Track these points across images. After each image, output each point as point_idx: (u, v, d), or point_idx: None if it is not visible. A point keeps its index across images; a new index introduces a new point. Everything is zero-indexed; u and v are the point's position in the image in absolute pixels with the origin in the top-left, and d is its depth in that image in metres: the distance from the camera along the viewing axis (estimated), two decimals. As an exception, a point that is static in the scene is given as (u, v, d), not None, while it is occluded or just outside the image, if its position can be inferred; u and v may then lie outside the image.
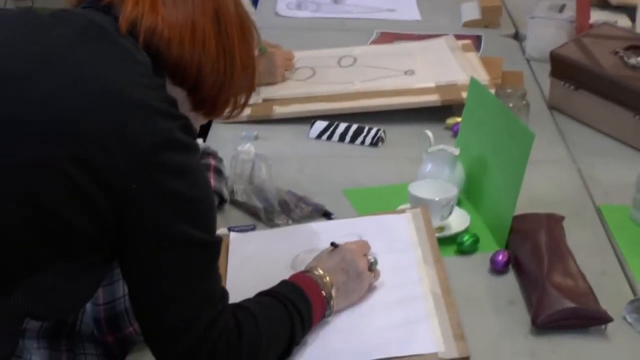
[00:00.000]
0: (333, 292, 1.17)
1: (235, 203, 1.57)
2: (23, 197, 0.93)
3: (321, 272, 1.18)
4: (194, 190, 1.01)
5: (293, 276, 1.18)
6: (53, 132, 0.94)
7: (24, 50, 1.00)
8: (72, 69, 0.99)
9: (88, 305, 1.30)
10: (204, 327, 1.01)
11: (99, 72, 0.99)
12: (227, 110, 1.17)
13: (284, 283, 1.17)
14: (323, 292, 1.16)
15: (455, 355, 1.14)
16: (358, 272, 1.22)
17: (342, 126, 1.86)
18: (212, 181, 1.57)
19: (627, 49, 1.93)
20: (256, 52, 1.33)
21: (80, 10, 1.08)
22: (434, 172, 1.56)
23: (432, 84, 1.99)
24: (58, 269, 1.00)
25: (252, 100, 1.93)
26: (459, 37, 2.35)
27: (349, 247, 1.26)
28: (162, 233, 0.99)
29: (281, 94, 2.02)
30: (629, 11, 2.49)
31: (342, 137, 1.84)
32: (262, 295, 1.15)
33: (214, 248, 1.04)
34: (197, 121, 1.17)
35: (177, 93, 1.09)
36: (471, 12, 2.60)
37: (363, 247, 1.28)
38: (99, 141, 0.94)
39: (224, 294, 1.06)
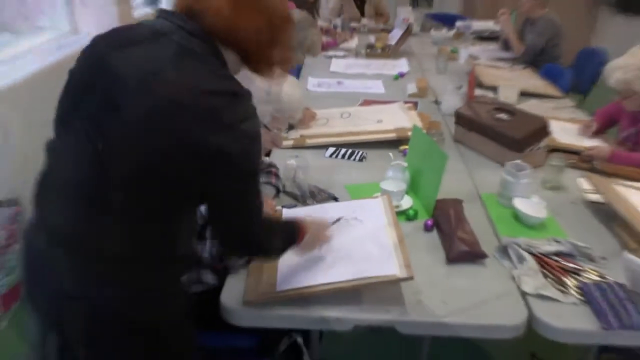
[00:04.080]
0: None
1: (285, 192, 1.87)
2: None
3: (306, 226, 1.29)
4: (250, 141, 1.04)
5: (301, 222, 1.31)
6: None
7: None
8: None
9: (207, 243, 1.44)
10: (258, 228, 1.14)
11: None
12: (278, 66, 1.09)
13: (296, 224, 1.28)
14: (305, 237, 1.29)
15: (406, 275, 1.27)
16: (314, 237, 1.35)
17: (344, 150, 2.22)
18: (274, 180, 1.83)
19: (495, 109, 2.31)
20: None
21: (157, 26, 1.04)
22: (393, 176, 1.86)
23: (392, 127, 2.35)
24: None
25: (293, 136, 2.28)
26: (406, 102, 2.75)
27: (319, 225, 1.39)
28: (238, 172, 1.04)
29: (310, 132, 2.38)
30: (494, 89, 3.04)
31: (343, 156, 2.19)
32: (283, 222, 1.31)
33: (258, 176, 1.09)
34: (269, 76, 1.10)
35: (232, 58, 1.05)
36: (412, 89, 3.11)
37: (325, 225, 1.41)
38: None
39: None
